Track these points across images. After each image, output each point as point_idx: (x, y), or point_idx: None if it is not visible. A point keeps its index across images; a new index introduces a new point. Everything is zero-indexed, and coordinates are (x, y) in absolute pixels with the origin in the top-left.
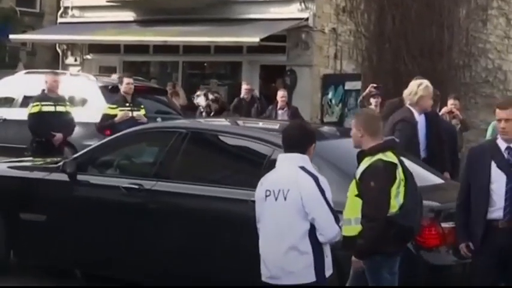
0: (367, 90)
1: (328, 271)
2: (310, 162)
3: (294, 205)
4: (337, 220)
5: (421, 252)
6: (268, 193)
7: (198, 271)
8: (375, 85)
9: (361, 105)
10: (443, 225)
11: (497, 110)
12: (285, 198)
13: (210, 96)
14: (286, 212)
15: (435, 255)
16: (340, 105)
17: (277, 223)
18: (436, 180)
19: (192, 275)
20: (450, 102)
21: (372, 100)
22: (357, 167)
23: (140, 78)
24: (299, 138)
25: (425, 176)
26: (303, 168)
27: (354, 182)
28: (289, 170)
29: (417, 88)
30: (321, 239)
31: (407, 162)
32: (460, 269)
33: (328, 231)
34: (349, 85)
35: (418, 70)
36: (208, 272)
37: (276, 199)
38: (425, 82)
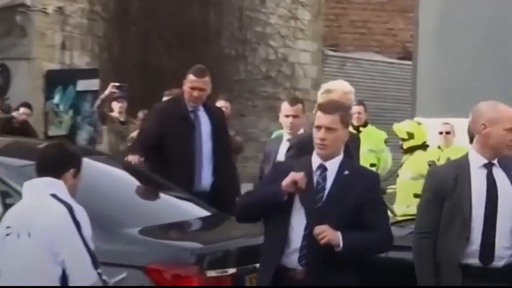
0: (107, 91)
1: None
2: (66, 189)
3: (41, 243)
4: (95, 263)
5: None
6: (9, 230)
7: None
8: (117, 84)
9: (100, 112)
10: (210, 273)
11: (319, 114)
12: (29, 235)
13: None
14: (33, 253)
15: None
16: (70, 112)
17: (24, 268)
18: (199, 212)
19: None
20: (219, 105)
21: (115, 105)
22: None
23: None
24: (54, 159)
25: (184, 208)
26: (54, 195)
27: None
28: (35, 200)
29: None
30: None
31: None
32: None
33: (79, 278)
34: (83, 85)
35: (175, 63)
36: None
37: (18, 237)
38: None
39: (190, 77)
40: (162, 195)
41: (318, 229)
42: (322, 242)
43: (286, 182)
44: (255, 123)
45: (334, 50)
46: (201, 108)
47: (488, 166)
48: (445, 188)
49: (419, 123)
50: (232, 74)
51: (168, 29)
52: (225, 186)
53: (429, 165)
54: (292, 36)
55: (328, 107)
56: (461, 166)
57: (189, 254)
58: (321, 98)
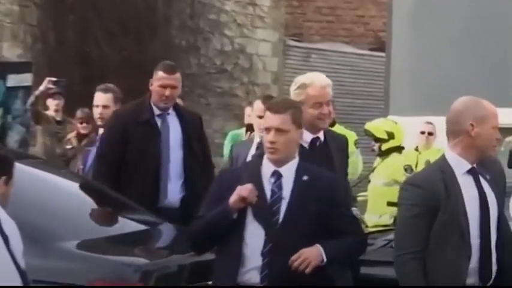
0: (41, 87)
1: None
2: None
3: None
4: (25, 281)
5: None
6: None
7: None
8: (53, 79)
9: (33, 110)
10: None
11: (268, 114)
12: None
13: None
14: None
15: None
16: (0, 110)
17: None
18: (145, 224)
19: None
20: None
21: (51, 102)
22: None
23: None
24: None
25: (128, 219)
26: None
27: None
28: None
29: None
30: None
31: None
32: None
33: None
34: (13, 80)
35: (118, 55)
36: None
37: None
38: None
39: (160, 74)
40: (104, 204)
41: (296, 261)
42: (307, 271)
43: (233, 199)
44: (209, 123)
45: (297, 40)
46: (171, 112)
47: (473, 171)
48: (438, 199)
49: (395, 123)
50: (182, 68)
51: (109, 17)
52: (198, 203)
53: (405, 169)
54: (250, 25)
55: (277, 106)
56: (445, 172)
57: (134, 271)
58: (295, 94)
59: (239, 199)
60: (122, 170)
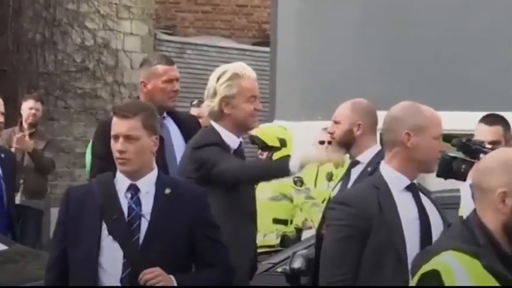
0: None
1: None
2: None
3: None
4: None
5: None
6: None
7: None
8: None
9: None
10: None
11: (115, 120)
12: None
13: None
14: None
15: None
16: None
17: None
18: None
19: None
20: (27, 106)
21: None
22: None
23: None
24: None
25: None
26: None
27: None
28: None
29: None
30: None
31: None
32: None
33: None
34: None
35: None
36: None
37: None
38: None
39: (160, 68)
40: None
41: (148, 274)
42: (153, 282)
43: None
44: (68, 130)
45: (170, 34)
46: (165, 115)
47: (412, 188)
48: (370, 220)
49: (285, 128)
50: (37, 66)
51: None
52: None
53: (294, 182)
54: (115, 16)
55: (124, 110)
56: (380, 189)
57: None
58: (224, 87)
59: None
60: None
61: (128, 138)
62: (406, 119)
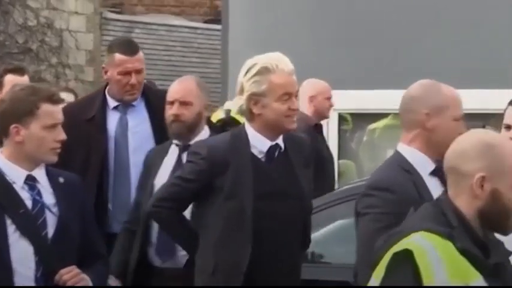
0: None
1: None
2: None
3: None
4: None
5: None
6: None
7: None
8: None
9: None
10: None
11: None
12: None
13: None
14: None
15: None
16: None
17: None
18: None
19: None
20: None
21: None
22: None
23: None
24: None
25: None
26: None
27: None
28: None
29: None
30: None
31: None
32: None
33: None
34: None
35: None
36: None
37: None
38: None
39: (117, 57)
40: None
41: (66, 274)
42: (73, 281)
43: None
44: None
45: (117, 12)
46: (138, 103)
47: (438, 172)
48: (410, 205)
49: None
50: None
51: None
52: None
53: None
54: None
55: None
56: (409, 173)
57: None
58: (251, 83)
59: None
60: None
61: None
62: (425, 98)
